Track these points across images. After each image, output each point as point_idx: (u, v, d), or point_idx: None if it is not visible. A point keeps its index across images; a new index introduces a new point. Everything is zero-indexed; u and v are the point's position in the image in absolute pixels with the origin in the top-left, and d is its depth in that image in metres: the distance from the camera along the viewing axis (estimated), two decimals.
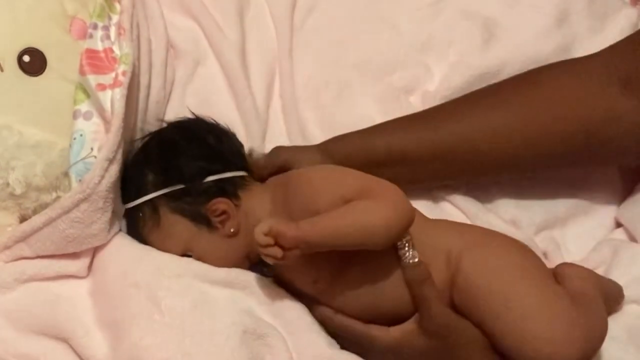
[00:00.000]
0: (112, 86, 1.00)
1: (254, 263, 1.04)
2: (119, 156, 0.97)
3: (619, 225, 1.17)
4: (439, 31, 1.25)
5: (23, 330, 0.99)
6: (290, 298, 1.01)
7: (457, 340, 0.92)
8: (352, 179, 0.97)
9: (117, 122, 0.97)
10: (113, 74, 1.01)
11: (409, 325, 0.95)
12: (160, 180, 1.02)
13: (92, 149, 1.00)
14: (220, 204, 1.01)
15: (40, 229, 0.97)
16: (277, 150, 1.09)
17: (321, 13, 1.29)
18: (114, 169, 0.97)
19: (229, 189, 1.03)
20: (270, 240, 0.89)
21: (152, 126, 1.12)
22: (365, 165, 1.03)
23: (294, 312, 1.00)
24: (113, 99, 0.98)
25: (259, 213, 1.02)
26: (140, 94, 1.09)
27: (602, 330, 0.93)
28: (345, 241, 0.91)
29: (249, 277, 1.01)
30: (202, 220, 1.01)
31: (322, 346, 0.98)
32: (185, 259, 1.01)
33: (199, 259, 1.02)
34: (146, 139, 1.08)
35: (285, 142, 1.19)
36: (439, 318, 0.92)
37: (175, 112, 1.16)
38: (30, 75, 1.01)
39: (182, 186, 1.02)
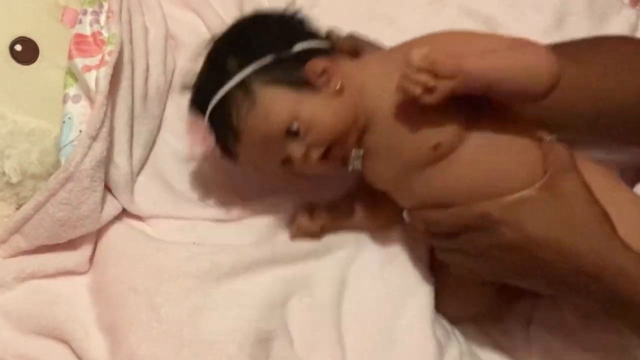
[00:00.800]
0: (98, 66, 0.99)
1: (361, 132, 0.96)
2: (104, 134, 0.96)
3: None
4: (439, 29, 1.24)
5: (22, 330, 0.98)
6: (303, 287, 1.00)
7: (586, 208, 0.87)
8: (499, 35, 0.91)
9: (100, 99, 0.96)
10: (100, 56, 1.01)
11: (526, 192, 0.89)
12: (246, 58, 0.94)
13: (80, 131, 0.99)
14: (320, 62, 0.94)
15: (31, 216, 0.97)
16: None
17: (322, 10, 1.25)
18: (99, 147, 0.95)
19: (323, 52, 0.96)
20: (426, 66, 0.84)
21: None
22: None
23: (305, 307, 0.99)
24: (98, 77, 0.98)
25: (367, 73, 0.96)
26: (138, 78, 1.08)
27: None
28: (509, 79, 0.85)
29: (259, 256, 0.99)
30: (303, 84, 0.94)
31: (333, 342, 0.97)
32: (186, 257, 0.97)
33: (307, 126, 0.94)
34: (223, 31, 1.01)
35: None
36: (576, 182, 0.88)
37: (176, 102, 1.14)
38: (23, 64, 1.02)
39: (271, 57, 0.94)
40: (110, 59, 0.99)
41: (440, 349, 1.00)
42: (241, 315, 0.94)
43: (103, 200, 0.99)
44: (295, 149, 0.95)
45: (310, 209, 1.06)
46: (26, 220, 0.98)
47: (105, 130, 0.96)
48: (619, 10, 1.26)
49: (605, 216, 0.87)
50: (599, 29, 1.23)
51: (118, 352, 0.93)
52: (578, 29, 1.22)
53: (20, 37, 1.02)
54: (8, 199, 1.02)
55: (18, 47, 1.02)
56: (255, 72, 0.94)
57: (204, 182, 1.11)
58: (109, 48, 1.01)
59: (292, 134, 0.94)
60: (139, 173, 1.07)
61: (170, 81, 1.16)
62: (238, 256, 0.98)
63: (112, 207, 1.01)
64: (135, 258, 0.98)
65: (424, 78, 0.83)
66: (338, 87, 0.94)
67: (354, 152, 0.96)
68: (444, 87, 0.83)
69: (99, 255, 1.02)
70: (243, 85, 0.94)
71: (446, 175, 0.92)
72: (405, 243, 1.06)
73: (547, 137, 0.90)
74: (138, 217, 1.04)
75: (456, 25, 1.23)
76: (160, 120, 1.13)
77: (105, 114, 0.96)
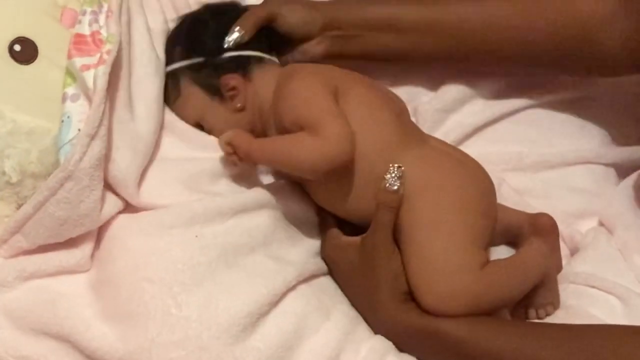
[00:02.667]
0: (96, 65, 0.99)
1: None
2: (102, 132, 0.96)
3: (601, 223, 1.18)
4: None
5: (24, 329, 0.98)
6: (304, 284, 1.02)
7: (380, 270, 0.97)
8: (311, 108, 1.02)
9: (97, 98, 0.96)
10: (98, 55, 1.01)
11: (355, 239, 1.01)
12: (185, 53, 1.12)
13: (79, 130, 0.99)
14: (231, 79, 1.10)
15: (31, 215, 0.97)
16: (266, 2, 1.17)
17: None
18: (97, 145, 0.95)
19: (243, 66, 1.11)
20: (230, 149, 1.04)
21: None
22: (358, 27, 1.16)
23: (307, 302, 1.00)
24: (96, 76, 0.98)
25: (264, 95, 1.11)
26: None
27: (506, 298, 1.01)
28: (284, 168, 1.05)
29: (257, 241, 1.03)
30: (216, 92, 1.11)
31: (331, 336, 0.98)
32: (199, 246, 0.99)
33: (209, 129, 1.13)
34: (182, 17, 1.19)
35: None
36: (378, 243, 0.97)
37: None
38: (22, 64, 1.02)
39: (202, 59, 1.12)
40: (109, 58, 0.99)
41: None
42: (260, 293, 0.96)
43: (103, 198, 0.99)
44: None
45: None
46: (27, 219, 0.97)
47: (103, 128, 0.96)
48: None
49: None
50: None
51: (133, 341, 0.94)
52: None
53: (19, 37, 1.03)
54: (8, 199, 1.02)
55: (17, 47, 1.02)
56: (188, 68, 1.12)
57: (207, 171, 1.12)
58: (107, 47, 1.01)
59: (200, 126, 1.13)
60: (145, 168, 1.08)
61: None
62: (242, 241, 1.02)
63: (112, 205, 1.01)
64: (147, 251, 0.99)
65: (231, 160, 1.05)
66: (239, 106, 1.11)
67: None
68: (242, 159, 1.05)
69: (103, 250, 1.02)
70: (175, 75, 1.12)
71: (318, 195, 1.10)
72: None
73: (384, 181, 0.99)
74: (137, 211, 1.05)
75: None
76: (162, 120, 1.14)
77: (103, 112, 0.96)
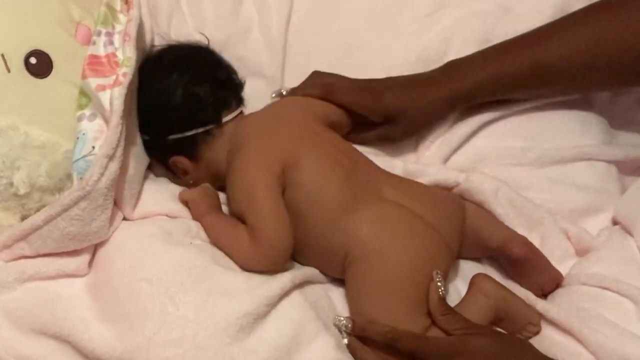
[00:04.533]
0: (112, 86, 1.01)
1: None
2: (119, 153, 0.98)
3: (615, 223, 1.18)
4: (435, 41, 1.25)
5: (24, 330, 1.00)
6: (299, 292, 1.04)
7: None
8: (252, 208, 1.05)
9: (115, 119, 0.98)
10: (114, 76, 1.03)
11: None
12: (141, 126, 1.11)
13: (93, 147, 1.01)
14: (179, 162, 1.14)
15: (40, 227, 0.98)
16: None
17: (312, 32, 1.31)
18: (114, 167, 0.97)
19: (188, 148, 1.13)
20: (186, 205, 1.10)
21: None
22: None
23: (304, 310, 1.02)
24: (112, 97, 1.00)
25: (219, 163, 1.13)
26: None
27: None
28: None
29: None
30: (168, 167, 1.15)
31: (329, 347, 1.00)
32: (196, 249, 1.02)
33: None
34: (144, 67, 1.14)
35: None
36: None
37: None
38: (37, 77, 1.03)
39: (147, 138, 1.12)
40: (125, 80, 1.01)
41: None
42: (257, 295, 0.98)
43: (112, 216, 1.02)
44: None
45: None
46: (34, 230, 0.99)
47: (120, 149, 0.98)
48: None
49: None
50: None
51: (131, 340, 0.95)
52: None
53: (35, 49, 1.03)
54: (13, 209, 1.03)
55: (33, 60, 1.03)
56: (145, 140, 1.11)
57: None
58: (123, 70, 1.03)
59: None
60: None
61: None
62: None
63: (118, 221, 1.05)
64: (145, 253, 1.01)
65: (185, 205, 1.12)
66: (191, 182, 1.15)
67: None
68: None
69: (103, 251, 1.04)
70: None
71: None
72: None
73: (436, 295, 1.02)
74: None
75: (452, 36, 1.26)
76: None
77: (120, 133, 0.98)
